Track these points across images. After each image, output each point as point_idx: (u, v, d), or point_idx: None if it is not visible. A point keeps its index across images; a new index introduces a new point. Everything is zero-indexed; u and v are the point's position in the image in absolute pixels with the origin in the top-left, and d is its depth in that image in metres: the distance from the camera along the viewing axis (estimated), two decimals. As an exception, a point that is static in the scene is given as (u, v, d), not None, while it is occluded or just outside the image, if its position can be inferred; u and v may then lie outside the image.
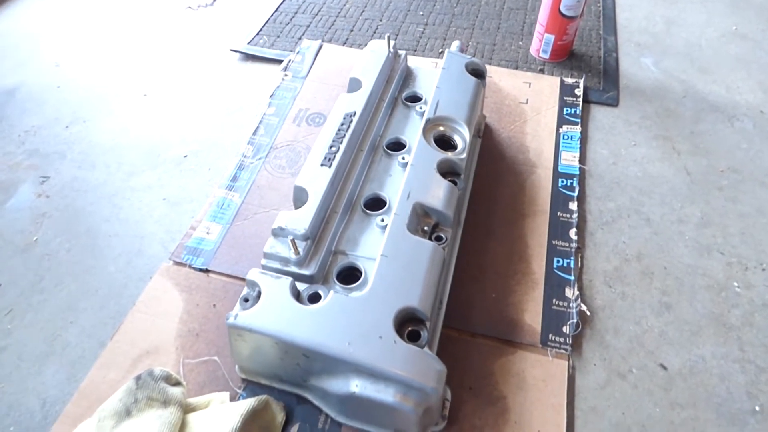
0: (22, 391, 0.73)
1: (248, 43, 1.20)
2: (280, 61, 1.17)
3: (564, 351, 0.72)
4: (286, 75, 1.12)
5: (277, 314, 0.60)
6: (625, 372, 0.71)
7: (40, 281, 0.84)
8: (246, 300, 0.63)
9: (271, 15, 1.28)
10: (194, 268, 0.83)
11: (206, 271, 0.83)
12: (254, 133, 1.02)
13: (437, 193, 0.73)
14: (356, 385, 0.59)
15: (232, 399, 0.69)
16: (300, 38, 1.21)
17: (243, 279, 0.82)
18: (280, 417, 0.67)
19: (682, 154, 0.96)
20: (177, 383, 0.67)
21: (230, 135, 1.04)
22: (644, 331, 0.75)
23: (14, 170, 1.01)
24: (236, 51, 1.19)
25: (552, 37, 1.08)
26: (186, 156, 1.01)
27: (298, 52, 1.16)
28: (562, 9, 1.03)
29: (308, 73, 1.12)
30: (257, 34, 1.23)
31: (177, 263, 0.84)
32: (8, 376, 0.75)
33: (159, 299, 0.80)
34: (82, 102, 1.13)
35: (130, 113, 1.10)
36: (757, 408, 0.68)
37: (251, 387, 0.70)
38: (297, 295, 0.63)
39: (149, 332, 0.76)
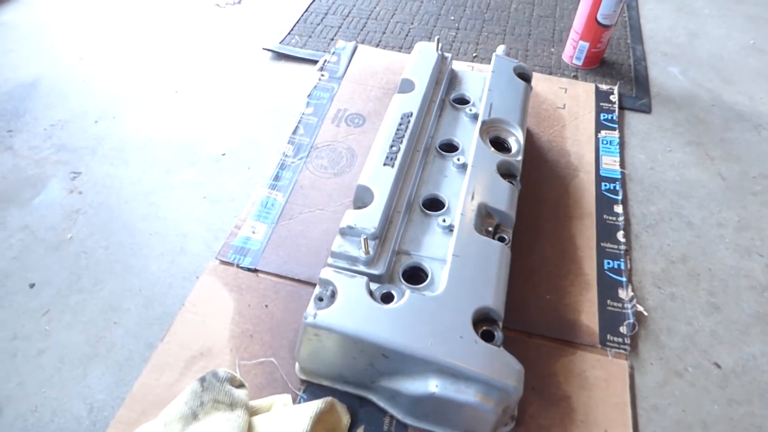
0: (65, 396, 0.70)
1: (280, 43, 1.19)
2: (312, 61, 1.16)
3: (623, 351, 0.73)
4: (322, 75, 1.11)
5: (356, 313, 0.59)
6: (682, 371, 0.73)
7: (77, 280, 0.81)
8: (320, 299, 0.62)
9: (302, 15, 1.27)
10: (242, 268, 0.81)
11: (255, 270, 0.81)
12: (294, 132, 1.00)
13: (500, 195, 0.73)
14: (435, 386, 0.58)
15: (293, 401, 0.68)
16: (332, 39, 1.20)
17: (293, 279, 0.81)
18: (345, 419, 0.66)
19: (716, 160, 0.99)
20: (241, 385, 0.66)
21: (267, 133, 1.03)
22: (696, 331, 0.77)
23: (41, 165, 0.97)
24: (268, 50, 1.18)
25: (587, 45, 1.10)
26: (224, 154, 0.99)
27: (333, 53, 1.16)
28: (599, 18, 1.06)
29: (344, 73, 1.12)
30: (289, 33, 1.22)
31: (224, 263, 0.82)
32: (49, 380, 0.71)
33: (208, 299, 0.78)
34: (110, 97, 1.10)
35: (162, 110, 1.08)
36: (811, 406, 0.70)
37: (311, 389, 0.69)
38: (370, 295, 0.62)
39: (201, 333, 0.74)
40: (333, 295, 0.62)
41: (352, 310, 0.59)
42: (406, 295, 0.61)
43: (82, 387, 0.71)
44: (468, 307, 0.61)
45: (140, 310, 0.78)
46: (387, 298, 0.63)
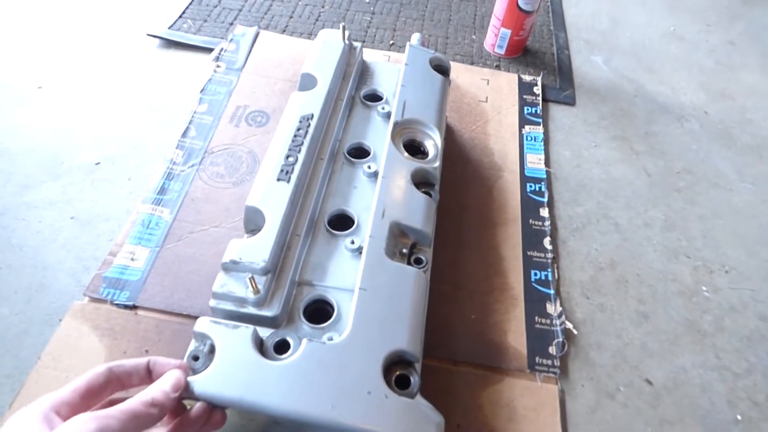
0: None
1: (169, 28, 1.03)
2: (207, 50, 1.01)
3: (552, 374, 0.67)
4: (218, 66, 0.96)
5: (239, 375, 0.48)
6: (613, 391, 0.68)
7: None
8: (195, 358, 0.50)
9: (195, -5, 1.11)
10: (118, 305, 0.68)
11: (133, 307, 0.68)
12: (184, 134, 0.86)
13: (415, 210, 0.64)
14: (341, 451, 0.49)
15: (179, 470, 0.56)
16: (231, 23, 1.05)
17: (181, 315, 0.68)
18: (241, 487, 0.55)
19: (641, 155, 0.96)
20: (106, 463, 0.53)
21: (153, 137, 0.88)
22: (626, 345, 0.72)
23: None
24: (155, 36, 1.01)
25: (509, 32, 1.03)
26: (98, 163, 0.83)
27: (231, 40, 1.01)
28: (520, 3, 0.98)
29: (244, 64, 0.97)
30: (180, 17, 1.05)
31: (94, 300, 0.68)
32: None
33: (73, 348, 0.64)
34: (-49, 96, 0.90)
35: (20, 111, 0.89)
36: (739, 417, 0.67)
37: (201, 451, 0.58)
38: (260, 346, 0.52)
39: (61, 393, 0.60)
40: (212, 350, 0.50)
41: (234, 371, 0.48)
42: (302, 345, 0.51)
43: None
44: (377, 354, 0.52)
45: (-17, 369, 0.63)
46: (282, 348, 0.53)
